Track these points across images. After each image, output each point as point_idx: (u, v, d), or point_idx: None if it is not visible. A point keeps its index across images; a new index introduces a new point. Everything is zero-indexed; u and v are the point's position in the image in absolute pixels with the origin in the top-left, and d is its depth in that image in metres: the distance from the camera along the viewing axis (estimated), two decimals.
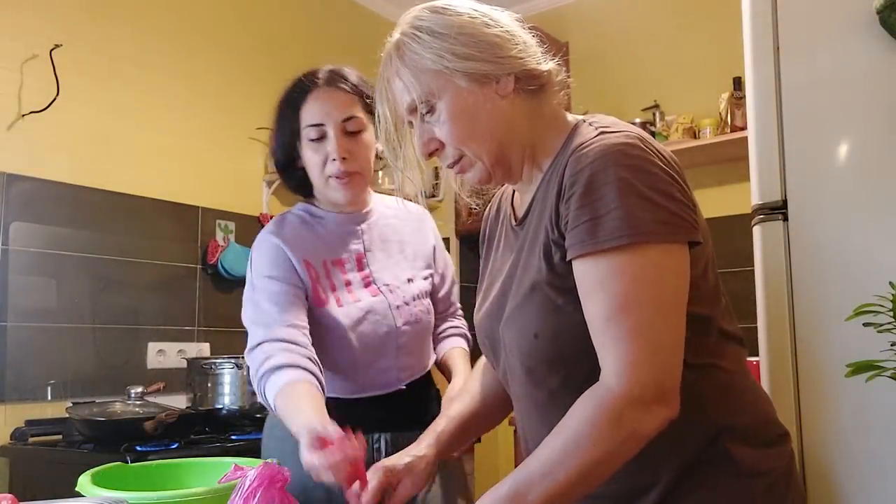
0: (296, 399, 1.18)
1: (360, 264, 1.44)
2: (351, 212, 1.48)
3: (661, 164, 0.87)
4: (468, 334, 1.53)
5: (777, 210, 1.31)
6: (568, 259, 0.87)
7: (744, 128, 2.57)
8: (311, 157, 1.42)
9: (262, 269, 1.42)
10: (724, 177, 2.79)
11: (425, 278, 1.47)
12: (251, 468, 0.98)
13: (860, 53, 1.26)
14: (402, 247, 1.48)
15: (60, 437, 2.15)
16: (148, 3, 2.67)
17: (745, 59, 1.40)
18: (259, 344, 1.32)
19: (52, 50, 2.33)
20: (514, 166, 0.99)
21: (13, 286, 2.23)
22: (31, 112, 2.29)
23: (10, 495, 1.04)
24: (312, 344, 1.32)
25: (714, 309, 0.93)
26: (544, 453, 0.83)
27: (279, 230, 1.48)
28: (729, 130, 2.69)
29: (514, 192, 1.09)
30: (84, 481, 1.06)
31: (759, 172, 1.35)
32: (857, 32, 1.27)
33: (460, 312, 1.58)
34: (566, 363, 0.91)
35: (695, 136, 2.80)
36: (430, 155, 0.99)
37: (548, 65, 0.98)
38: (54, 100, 2.32)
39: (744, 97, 2.55)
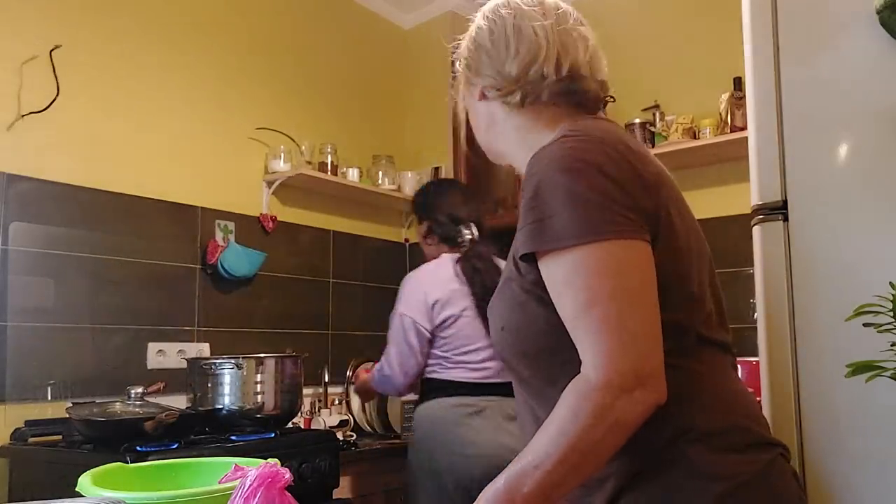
0: None
1: None
2: None
3: (608, 167, 0.90)
4: None
5: (777, 210, 1.31)
6: (520, 256, 0.94)
7: (744, 128, 2.57)
8: None
9: None
10: (724, 177, 2.79)
11: None
12: (251, 468, 0.98)
13: (860, 53, 1.26)
14: None
15: (60, 437, 2.15)
16: (148, 4, 2.67)
17: (745, 59, 1.40)
18: None
19: (52, 50, 2.33)
20: (505, 157, 1.15)
21: (13, 286, 2.23)
22: (31, 112, 2.29)
23: None
24: None
25: (691, 316, 0.94)
26: (535, 446, 0.86)
27: None
28: (729, 130, 2.68)
29: None
30: (84, 481, 1.05)
31: (759, 172, 1.35)
32: (857, 32, 1.27)
33: None
34: (530, 356, 0.96)
35: (695, 136, 2.80)
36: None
37: (519, 86, 1.07)
38: (54, 100, 2.32)
39: (744, 97, 2.55)
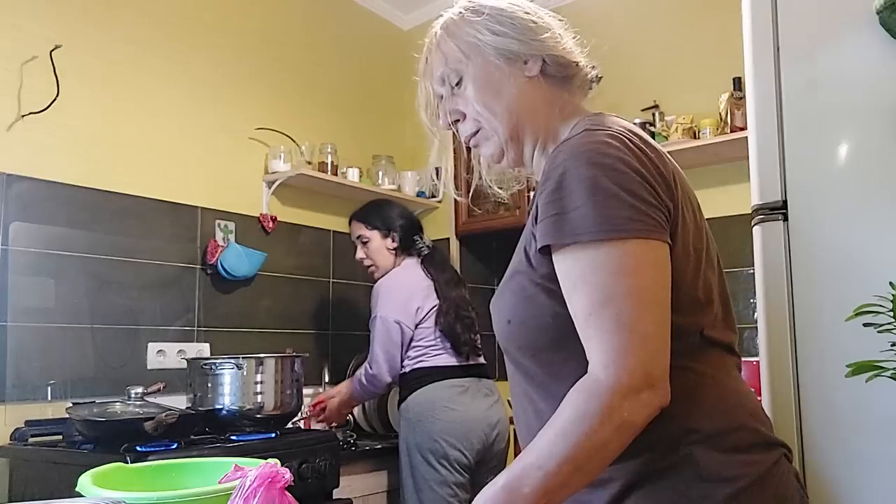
0: None
1: None
2: None
3: (636, 164, 0.89)
4: None
5: (777, 210, 1.32)
6: (538, 248, 0.91)
7: (744, 128, 2.57)
8: None
9: None
10: (724, 177, 2.79)
11: None
12: (251, 468, 0.98)
13: (860, 53, 1.26)
14: None
15: (60, 437, 2.15)
16: (148, 4, 2.67)
17: (745, 59, 1.40)
18: None
19: (51, 51, 2.33)
20: (525, 148, 1.07)
21: (13, 286, 2.22)
22: (30, 112, 2.29)
23: None
24: None
25: (696, 318, 0.93)
26: (538, 445, 0.84)
27: None
28: (729, 130, 2.68)
29: None
30: (84, 481, 1.06)
31: (759, 172, 1.35)
32: (857, 32, 1.27)
33: None
34: (535, 350, 0.95)
35: (695, 136, 2.80)
36: (453, 124, 1.09)
37: (577, 57, 1.06)
38: (54, 100, 2.32)
39: (744, 97, 2.55)
